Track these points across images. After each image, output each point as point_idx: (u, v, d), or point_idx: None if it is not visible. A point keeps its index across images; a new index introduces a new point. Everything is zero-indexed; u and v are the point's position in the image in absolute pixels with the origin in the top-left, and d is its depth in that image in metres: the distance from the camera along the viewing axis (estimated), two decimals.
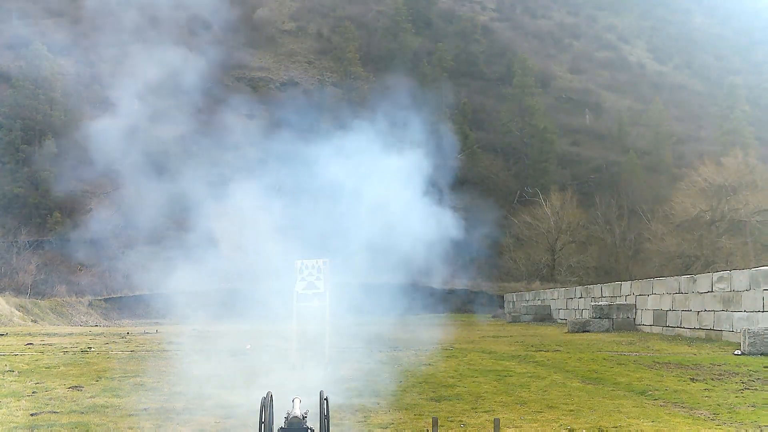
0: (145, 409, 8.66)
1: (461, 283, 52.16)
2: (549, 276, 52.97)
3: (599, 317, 25.15)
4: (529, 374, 12.09)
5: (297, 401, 4.92)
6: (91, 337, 23.27)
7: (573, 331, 24.67)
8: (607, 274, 51.75)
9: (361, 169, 13.35)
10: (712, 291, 19.87)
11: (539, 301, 38.79)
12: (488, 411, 8.47)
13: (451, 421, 7.84)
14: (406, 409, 8.70)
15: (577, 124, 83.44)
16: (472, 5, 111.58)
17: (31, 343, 19.46)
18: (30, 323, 34.80)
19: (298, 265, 13.27)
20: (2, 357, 15.10)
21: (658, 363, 13.67)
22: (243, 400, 9.25)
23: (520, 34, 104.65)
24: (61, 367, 12.98)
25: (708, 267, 40.67)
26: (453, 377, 11.63)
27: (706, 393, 9.93)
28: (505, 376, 11.73)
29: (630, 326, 24.79)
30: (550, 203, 55.24)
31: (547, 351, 16.75)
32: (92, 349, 17.65)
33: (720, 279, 19.61)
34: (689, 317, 21.04)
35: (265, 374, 11.95)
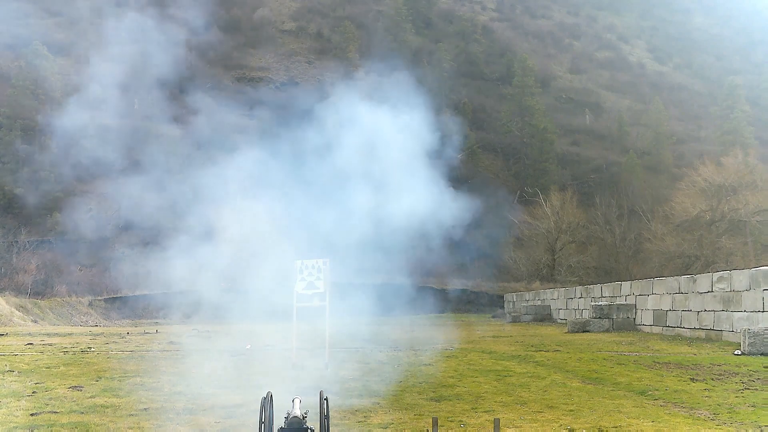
0: (145, 409, 8.66)
1: (461, 283, 52.18)
2: (549, 276, 52.95)
3: (599, 317, 25.15)
4: (529, 374, 12.09)
5: (297, 401, 4.90)
6: (91, 337, 23.27)
7: (573, 331, 24.67)
8: (607, 274, 51.73)
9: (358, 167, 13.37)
10: (712, 291, 19.87)
11: (539, 301, 38.79)
12: (488, 411, 8.47)
13: (451, 421, 7.84)
14: (406, 409, 8.70)
15: (577, 124, 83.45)
16: (472, 5, 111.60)
17: (31, 343, 19.46)
18: (30, 323, 34.79)
19: (298, 265, 13.27)
20: (2, 357, 15.10)
21: (658, 363, 13.67)
22: (243, 400, 9.25)
23: (520, 34, 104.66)
24: (61, 367, 12.97)
25: (708, 267, 40.64)
26: (453, 377, 11.63)
27: (706, 393, 9.93)
28: (505, 376, 11.73)
29: (630, 326, 24.79)
30: (550, 203, 55.21)
31: (547, 351, 16.75)
32: (92, 349, 17.65)
33: (720, 279, 19.61)
34: (689, 317, 21.04)
35: (265, 374, 11.95)
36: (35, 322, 35.98)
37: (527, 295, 42.12)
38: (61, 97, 61.45)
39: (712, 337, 19.41)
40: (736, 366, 12.91)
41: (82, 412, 8.39)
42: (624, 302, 25.93)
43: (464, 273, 52.51)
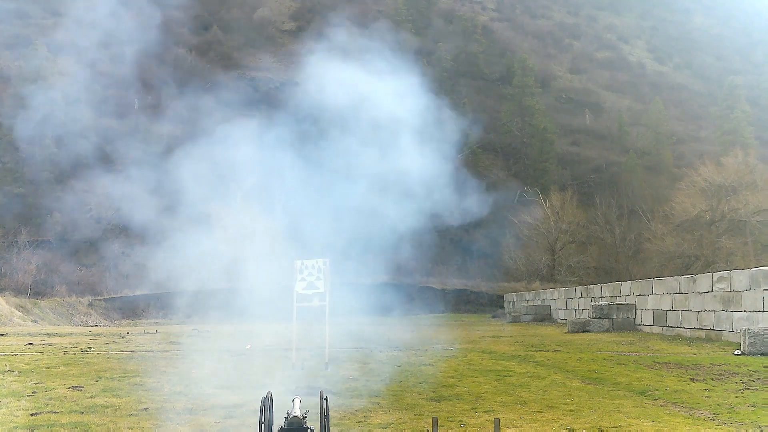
0: (145, 409, 8.66)
1: (461, 283, 52.19)
2: (549, 276, 52.94)
3: (599, 317, 25.15)
4: (529, 374, 12.09)
5: (297, 401, 4.90)
6: (91, 337, 23.27)
7: (573, 331, 24.67)
8: (607, 274, 51.73)
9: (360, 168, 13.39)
10: (712, 291, 19.87)
11: (539, 301, 38.79)
12: (488, 411, 8.47)
13: (451, 421, 7.84)
14: (406, 409, 8.70)
15: (577, 124, 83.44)
16: (472, 5, 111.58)
17: (31, 343, 19.46)
18: (30, 323, 34.79)
19: (298, 265, 13.26)
20: (2, 357, 15.10)
21: (658, 363, 13.67)
22: (243, 400, 9.25)
23: (520, 34, 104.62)
24: (61, 367, 12.97)
25: (708, 267, 40.64)
26: (453, 377, 11.63)
27: (706, 393, 9.93)
28: (505, 376, 11.73)
29: (630, 326, 24.79)
30: (550, 203, 55.22)
31: (547, 351, 16.76)
32: (92, 349, 17.65)
33: (720, 279, 19.61)
34: (689, 317, 21.04)
35: (265, 374, 11.96)
36: (35, 322, 35.99)
37: (527, 295, 42.12)
38: (63, 97, 61.49)
39: (712, 337, 19.41)
40: (736, 366, 12.92)
41: (82, 412, 8.39)
42: (624, 302, 25.93)
43: (464, 273, 52.54)
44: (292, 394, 5.28)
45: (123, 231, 58.29)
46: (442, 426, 7.39)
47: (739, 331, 16.74)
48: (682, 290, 21.69)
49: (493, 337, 23.03)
